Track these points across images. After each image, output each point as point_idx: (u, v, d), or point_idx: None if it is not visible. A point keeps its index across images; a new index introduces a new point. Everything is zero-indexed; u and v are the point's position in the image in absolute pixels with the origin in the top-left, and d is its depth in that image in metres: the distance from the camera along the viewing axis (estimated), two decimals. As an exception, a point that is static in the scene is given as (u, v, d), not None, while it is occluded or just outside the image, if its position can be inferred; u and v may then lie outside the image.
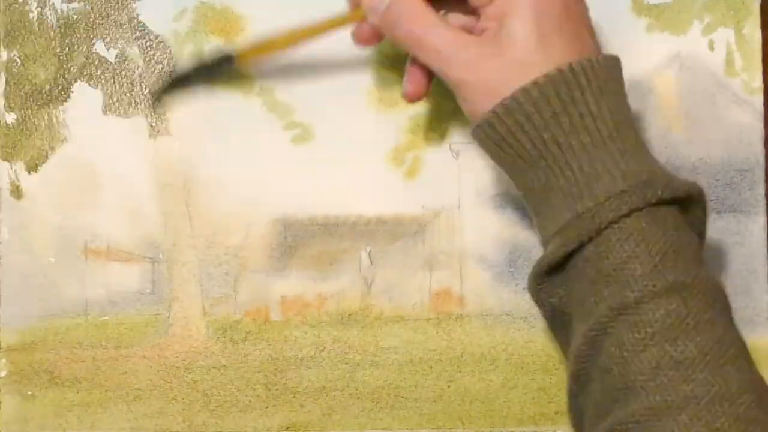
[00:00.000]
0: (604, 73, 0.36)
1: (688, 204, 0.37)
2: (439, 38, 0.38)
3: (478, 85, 0.37)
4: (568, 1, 0.37)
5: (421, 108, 0.49)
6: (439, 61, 0.38)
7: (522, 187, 0.38)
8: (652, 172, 0.36)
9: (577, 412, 0.38)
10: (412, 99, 0.43)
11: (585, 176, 0.35)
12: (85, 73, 0.48)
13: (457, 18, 0.41)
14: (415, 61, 0.41)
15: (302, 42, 0.43)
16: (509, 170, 0.39)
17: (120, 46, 0.48)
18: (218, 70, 0.45)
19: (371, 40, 0.42)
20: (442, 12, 0.41)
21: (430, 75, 0.41)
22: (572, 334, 0.37)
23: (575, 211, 0.35)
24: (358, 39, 0.42)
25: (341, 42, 0.48)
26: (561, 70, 0.35)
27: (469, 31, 0.40)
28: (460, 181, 0.49)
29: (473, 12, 0.40)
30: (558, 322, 0.39)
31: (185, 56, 0.48)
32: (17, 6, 0.48)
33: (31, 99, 0.48)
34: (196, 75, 0.45)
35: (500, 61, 0.37)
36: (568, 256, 0.36)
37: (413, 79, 0.42)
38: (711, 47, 0.49)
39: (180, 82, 0.46)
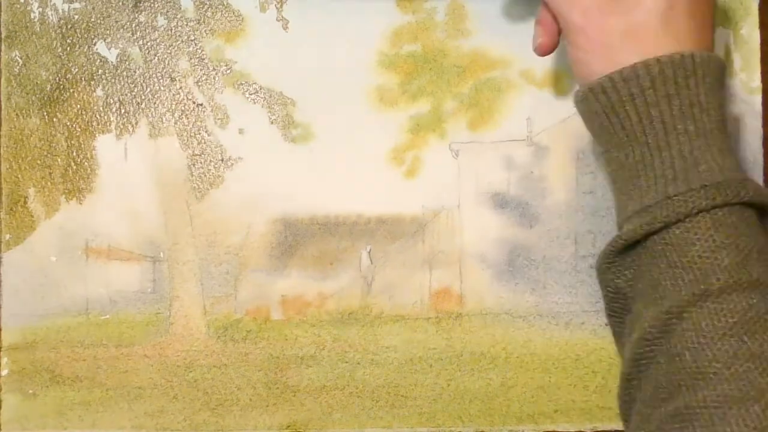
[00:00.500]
0: (717, 71, 0.37)
1: (764, 212, 0.37)
2: None
3: (597, 38, 0.37)
4: None
5: (421, 108, 0.49)
6: (561, 4, 0.38)
7: (612, 160, 0.38)
8: (743, 173, 0.37)
9: (627, 397, 0.38)
10: (544, 51, 0.42)
11: (682, 161, 0.35)
12: (86, 73, 0.48)
13: None
14: (545, 13, 0.41)
15: None
16: (605, 141, 0.38)
17: (121, 46, 0.48)
18: None
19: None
20: None
21: (559, 28, 0.41)
22: (634, 319, 0.37)
23: (666, 193, 0.35)
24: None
25: (342, 42, 0.49)
26: (684, 55, 0.35)
27: None
28: (460, 180, 0.49)
29: None
30: (618, 305, 0.39)
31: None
32: (19, 6, 0.48)
33: (33, 98, 0.48)
34: None
35: (624, 18, 0.36)
36: (645, 237, 0.36)
37: (545, 30, 0.41)
38: (710, 47, 0.49)
39: None
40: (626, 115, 0.36)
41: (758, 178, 0.48)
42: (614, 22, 0.36)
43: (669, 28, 0.36)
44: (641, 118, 0.36)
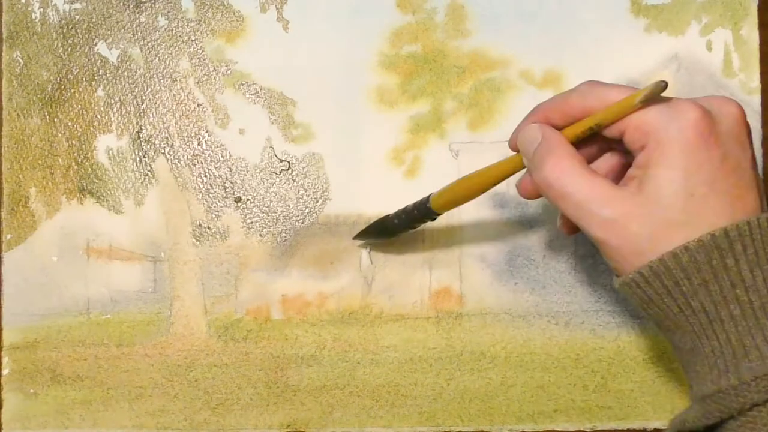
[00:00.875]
0: (761, 237, 0.33)
1: None
2: (582, 190, 0.35)
3: (622, 246, 0.34)
4: (727, 151, 0.34)
5: (421, 108, 0.49)
6: (580, 217, 0.35)
7: (671, 341, 0.37)
8: None
9: None
10: (566, 233, 0.41)
11: (731, 349, 0.33)
12: (87, 74, 0.48)
13: (600, 166, 0.39)
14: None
15: (482, 190, 0.41)
16: (657, 325, 0.37)
17: (122, 46, 0.48)
18: (420, 218, 0.44)
19: (533, 194, 0.39)
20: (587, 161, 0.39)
21: None
22: None
23: (719, 384, 0.33)
24: (522, 190, 0.40)
25: (342, 42, 0.49)
26: (714, 235, 0.33)
27: (616, 171, 0.38)
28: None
29: (619, 150, 0.38)
30: None
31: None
32: (20, 6, 0.48)
33: (34, 98, 0.48)
34: (398, 222, 0.45)
35: (645, 221, 0.34)
36: (706, 429, 0.34)
37: (567, 222, 0.40)
38: (709, 48, 0.49)
39: (383, 227, 0.46)
40: (666, 307, 0.34)
41: (757, 178, 0.49)
42: (636, 226, 0.34)
43: (694, 211, 0.33)
44: (682, 309, 0.34)
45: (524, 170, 0.39)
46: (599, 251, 0.36)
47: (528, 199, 0.40)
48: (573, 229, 0.39)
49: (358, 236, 0.47)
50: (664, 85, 0.33)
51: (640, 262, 0.34)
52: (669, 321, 0.35)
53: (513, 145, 0.39)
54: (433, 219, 0.44)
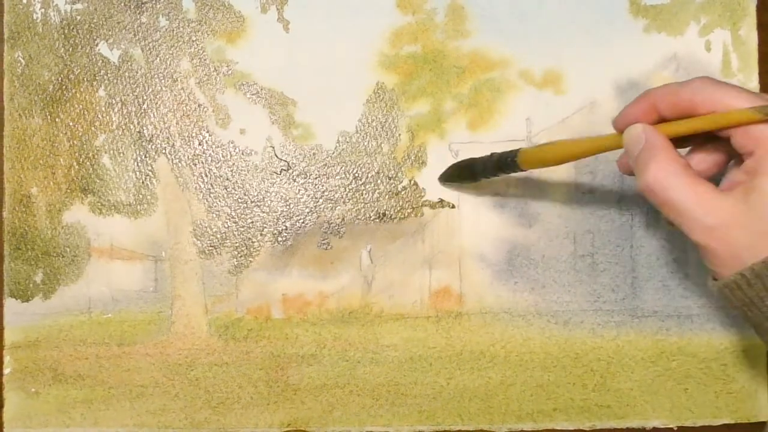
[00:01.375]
0: None
1: None
2: (684, 197, 0.35)
3: (724, 252, 0.35)
4: None
5: (421, 108, 0.49)
6: (682, 222, 0.35)
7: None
8: None
9: None
10: (622, 170, 0.41)
11: None
12: (88, 74, 0.48)
13: (704, 159, 0.39)
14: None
15: (574, 157, 0.41)
16: (756, 329, 0.37)
17: (123, 46, 0.49)
18: (504, 168, 0.44)
19: (630, 171, 0.39)
20: (688, 151, 0.39)
21: None
22: None
23: None
24: (621, 167, 0.41)
25: (342, 43, 0.49)
26: None
27: (715, 166, 0.38)
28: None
29: (719, 146, 0.38)
30: None
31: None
32: (21, 7, 0.48)
33: (35, 99, 0.48)
34: (483, 168, 0.45)
35: (747, 230, 0.34)
36: None
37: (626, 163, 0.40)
38: (708, 48, 0.49)
39: (468, 169, 0.46)
40: (766, 308, 0.35)
41: (756, 178, 0.49)
42: (738, 235, 0.34)
43: None
44: None
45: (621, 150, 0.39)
46: (699, 253, 0.36)
47: (625, 174, 0.41)
48: (629, 171, 0.40)
49: (442, 176, 0.48)
50: None
51: (739, 267, 0.34)
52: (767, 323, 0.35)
53: (617, 126, 0.39)
54: (516, 172, 0.44)
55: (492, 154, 0.44)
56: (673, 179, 0.35)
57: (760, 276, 0.34)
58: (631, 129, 0.38)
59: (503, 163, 0.43)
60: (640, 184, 0.37)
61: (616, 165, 0.41)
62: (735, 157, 0.38)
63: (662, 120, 0.37)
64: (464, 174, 0.47)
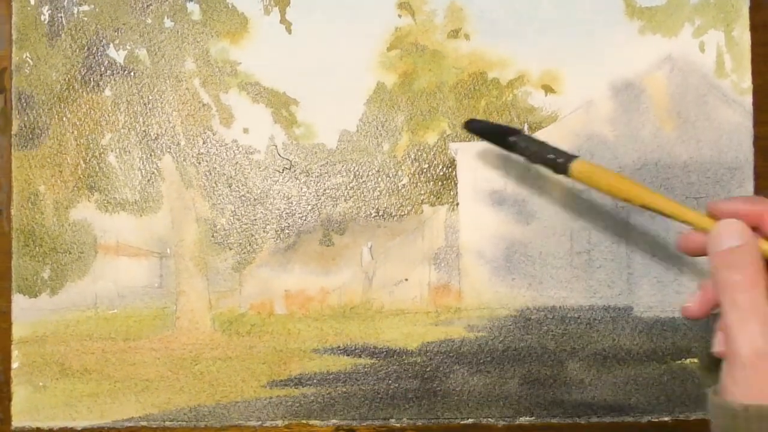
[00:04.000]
0: None
1: None
2: (752, 309, 0.36)
3: (757, 377, 0.35)
4: None
5: (421, 108, 0.50)
6: (737, 328, 0.36)
7: None
8: None
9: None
10: (688, 315, 0.41)
11: None
12: (94, 74, 0.49)
13: None
14: (709, 288, 0.39)
15: (633, 201, 0.40)
16: None
17: (129, 47, 0.49)
18: (549, 164, 0.43)
19: (692, 252, 0.40)
20: None
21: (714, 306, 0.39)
22: None
23: None
24: (682, 244, 0.41)
25: (343, 44, 0.50)
26: None
27: None
28: (459, 179, 0.50)
29: None
30: None
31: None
32: (29, 9, 0.49)
33: (43, 98, 0.49)
34: (526, 147, 0.43)
35: None
36: None
37: (701, 299, 0.40)
38: (702, 49, 0.50)
39: (506, 137, 0.44)
40: None
41: (748, 176, 0.49)
42: None
43: None
44: None
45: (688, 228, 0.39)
46: (724, 365, 0.36)
47: (682, 252, 0.41)
48: (703, 314, 0.40)
49: (471, 123, 0.46)
50: None
51: (763, 398, 0.34)
52: None
53: (714, 210, 0.39)
54: (558, 173, 0.42)
55: (545, 143, 0.43)
56: (755, 291, 0.36)
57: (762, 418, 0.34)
58: (733, 222, 0.37)
59: (552, 161, 0.42)
60: (722, 277, 0.37)
61: (678, 240, 0.41)
62: None
63: (756, 230, 0.38)
64: (499, 138, 0.44)
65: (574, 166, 0.41)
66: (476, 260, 0.49)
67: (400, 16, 0.50)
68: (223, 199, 0.49)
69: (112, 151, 0.49)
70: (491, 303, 0.49)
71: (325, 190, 0.50)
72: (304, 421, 0.49)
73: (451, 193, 0.50)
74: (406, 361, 0.49)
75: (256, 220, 0.50)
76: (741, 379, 0.36)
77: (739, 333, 0.36)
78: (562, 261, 0.49)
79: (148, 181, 0.49)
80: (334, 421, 0.49)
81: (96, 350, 0.49)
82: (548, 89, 0.50)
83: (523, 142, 0.44)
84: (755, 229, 0.38)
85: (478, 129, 0.46)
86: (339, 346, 0.49)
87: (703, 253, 0.39)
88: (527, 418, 0.49)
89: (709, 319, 0.40)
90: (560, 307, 0.49)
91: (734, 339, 0.36)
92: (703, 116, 0.50)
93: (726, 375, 0.36)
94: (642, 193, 0.40)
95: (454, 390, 0.49)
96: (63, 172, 0.49)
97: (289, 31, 0.50)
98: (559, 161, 0.42)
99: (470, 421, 0.49)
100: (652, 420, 0.49)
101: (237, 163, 0.50)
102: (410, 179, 0.50)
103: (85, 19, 0.49)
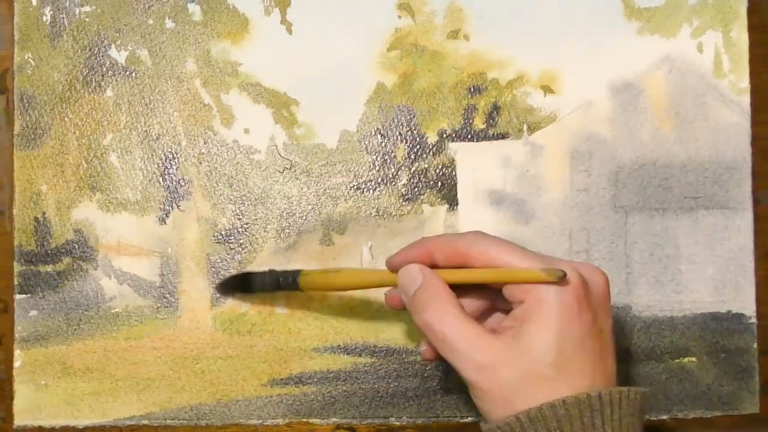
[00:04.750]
0: (627, 407, 0.36)
1: None
2: (458, 335, 0.38)
3: (492, 389, 0.37)
4: (596, 316, 0.37)
5: (420, 108, 0.50)
6: (455, 359, 0.38)
7: None
8: None
9: None
10: (426, 358, 0.43)
11: None
12: (96, 75, 0.50)
13: (471, 303, 0.41)
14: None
15: (352, 287, 0.44)
16: None
17: (130, 48, 0.50)
18: (285, 287, 0.45)
19: (398, 307, 0.42)
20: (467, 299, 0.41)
21: None
22: None
23: None
24: (388, 302, 0.43)
25: (343, 44, 0.50)
26: (590, 395, 0.36)
27: (482, 312, 0.41)
28: (458, 179, 0.50)
29: (496, 300, 0.41)
30: None
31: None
32: (31, 9, 0.49)
33: (45, 98, 0.49)
34: (261, 283, 0.46)
35: (516, 370, 0.36)
36: None
37: (431, 349, 0.41)
38: (700, 49, 0.50)
39: (246, 282, 0.47)
40: None
41: (746, 175, 0.50)
42: (507, 374, 0.36)
43: (562, 367, 0.36)
44: None
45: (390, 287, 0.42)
46: (471, 394, 0.38)
47: (393, 309, 0.43)
48: (435, 356, 0.41)
49: (219, 287, 0.49)
50: (563, 275, 0.36)
51: (508, 409, 0.36)
52: None
53: (390, 266, 0.42)
54: (297, 290, 0.45)
55: (271, 272, 0.45)
56: (450, 319, 0.38)
57: (534, 421, 0.36)
58: (408, 268, 0.40)
59: (284, 283, 0.45)
60: (418, 321, 0.39)
61: (385, 299, 0.43)
62: (498, 303, 0.41)
63: (435, 266, 0.40)
64: (243, 287, 0.47)
65: (302, 279, 0.44)
66: (476, 260, 0.50)
67: (400, 17, 0.50)
68: (224, 198, 0.50)
69: (113, 151, 0.49)
70: (490, 302, 0.50)
71: (325, 190, 0.50)
72: (304, 420, 0.49)
73: (451, 192, 0.50)
74: (406, 360, 0.49)
75: (256, 219, 0.50)
76: (482, 399, 0.37)
77: (455, 362, 0.38)
78: (561, 260, 0.50)
79: (150, 181, 0.50)
80: (335, 419, 0.49)
81: (98, 349, 0.49)
82: (547, 90, 0.50)
83: (261, 279, 0.46)
84: (435, 266, 0.40)
85: (223, 289, 0.49)
86: (339, 345, 0.50)
87: (404, 306, 0.41)
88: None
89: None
90: (559, 306, 0.50)
91: (457, 370, 0.38)
92: (702, 116, 0.50)
93: (476, 404, 0.38)
94: (348, 279, 0.43)
95: (454, 389, 0.49)
96: (65, 172, 0.49)
97: (290, 32, 0.50)
98: (291, 281, 0.44)
99: (470, 419, 0.49)
100: (651, 419, 0.50)
101: (238, 163, 0.50)
102: (410, 179, 0.50)
103: (87, 19, 0.50)
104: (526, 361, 0.36)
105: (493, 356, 0.37)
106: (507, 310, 0.40)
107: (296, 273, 0.44)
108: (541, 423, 0.35)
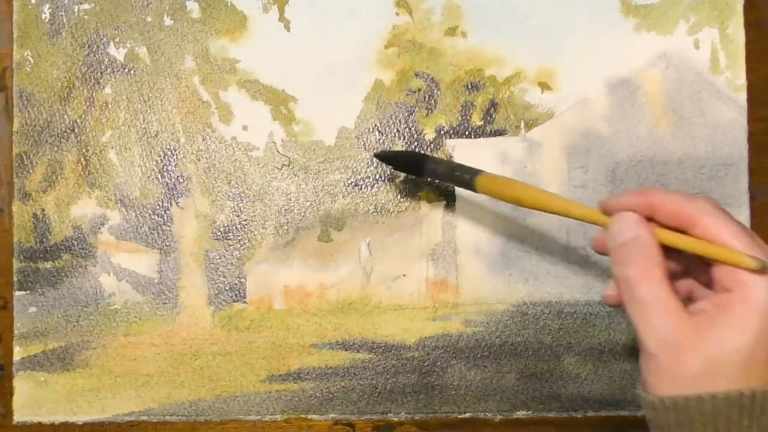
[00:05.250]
0: None
1: None
2: (656, 305, 0.36)
3: (670, 369, 0.35)
4: None
5: (418, 105, 0.50)
6: (642, 325, 0.36)
7: None
8: None
9: None
10: (611, 304, 0.41)
11: None
12: (95, 72, 0.50)
13: (674, 264, 0.39)
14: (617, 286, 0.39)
15: (540, 208, 0.41)
16: None
17: (129, 45, 0.50)
18: (458, 182, 0.44)
19: (602, 250, 0.41)
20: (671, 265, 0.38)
21: None
22: None
23: None
24: (595, 246, 0.42)
25: (341, 41, 0.50)
26: (742, 393, 0.34)
27: (683, 274, 0.39)
28: (456, 175, 0.50)
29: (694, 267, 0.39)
30: None
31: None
32: (30, 7, 0.50)
33: (44, 96, 0.50)
34: (433, 170, 0.45)
35: (699, 361, 0.35)
36: None
37: (616, 295, 0.39)
38: (696, 46, 0.50)
39: (415, 163, 0.46)
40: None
41: (742, 171, 0.50)
42: (691, 360, 0.35)
43: (742, 374, 0.34)
44: None
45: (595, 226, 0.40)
46: (641, 358, 0.37)
47: (599, 253, 0.41)
48: (617, 304, 0.39)
49: (381, 154, 0.47)
50: (762, 265, 0.34)
51: (676, 389, 0.35)
52: None
53: (605, 207, 0.39)
54: (468, 189, 0.43)
55: (451, 161, 0.44)
56: (652, 283, 0.36)
57: (699, 405, 0.34)
58: (626, 215, 0.38)
59: (460, 178, 0.44)
60: (618, 273, 0.37)
61: (591, 242, 0.42)
62: (695, 270, 0.39)
63: (651, 220, 0.38)
64: (409, 166, 0.46)
65: (480, 179, 0.43)
66: (473, 256, 0.50)
67: (397, 14, 0.50)
68: (223, 195, 0.50)
69: (112, 148, 0.50)
70: (488, 298, 0.50)
71: (323, 186, 0.50)
72: (302, 416, 0.49)
73: (449, 189, 0.50)
74: (404, 356, 0.50)
75: (255, 216, 0.50)
76: (653, 371, 0.36)
77: (642, 327, 0.36)
78: (559, 256, 0.50)
79: (148, 177, 0.50)
80: (333, 415, 0.49)
81: (97, 345, 0.49)
82: (544, 86, 0.50)
83: (432, 164, 0.45)
84: (650, 219, 0.38)
85: (385, 158, 0.48)
86: (337, 341, 0.50)
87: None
88: (524, 412, 0.49)
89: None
90: (557, 302, 0.50)
91: (640, 333, 0.36)
92: (698, 113, 0.50)
93: (642, 368, 0.37)
94: (549, 200, 0.40)
95: (452, 384, 0.50)
96: (64, 169, 0.49)
97: (288, 29, 0.50)
98: (465, 177, 0.43)
99: (468, 415, 0.50)
100: (648, 414, 0.50)
101: (236, 159, 0.50)
102: (408, 176, 0.50)
103: (86, 17, 0.50)
104: (714, 355, 0.34)
105: (682, 337, 0.35)
106: (702, 281, 0.39)
107: (475, 172, 0.43)
108: (684, 413, 0.34)
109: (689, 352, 0.35)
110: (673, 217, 0.37)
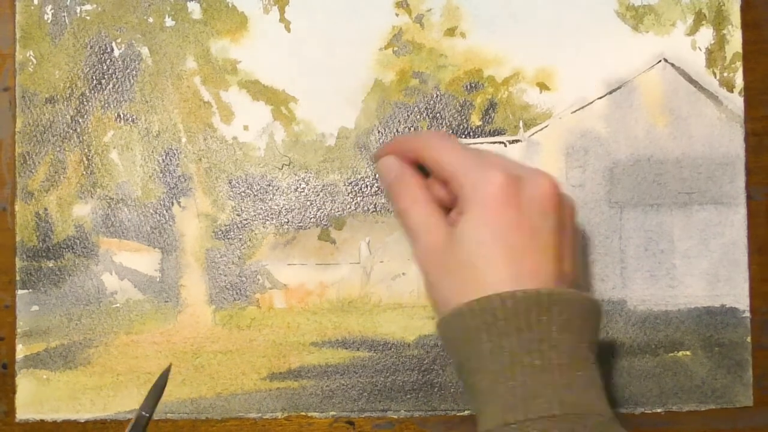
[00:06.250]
0: (576, 311, 0.37)
1: None
2: (416, 215, 0.42)
3: (435, 276, 0.40)
4: (525, 214, 0.39)
5: (418, 105, 0.50)
6: (410, 237, 0.42)
7: (467, 384, 0.39)
8: (590, 406, 0.36)
9: None
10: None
11: (525, 391, 0.36)
12: (97, 72, 0.50)
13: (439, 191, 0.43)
14: None
15: None
16: (459, 368, 0.39)
17: (131, 46, 0.50)
18: None
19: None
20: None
21: None
22: None
23: (504, 419, 0.35)
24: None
25: (342, 42, 0.50)
26: (540, 292, 0.36)
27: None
28: (455, 174, 0.50)
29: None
30: None
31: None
32: (33, 8, 0.50)
33: (46, 96, 0.50)
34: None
35: (453, 260, 0.39)
36: None
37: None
38: (694, 47, 0.51)
39: None
40: (479, 342, 0.37)
41: (739, 171, 0.50)
42: (445, 260, 0.39)
43: (484, 261, 0.38)
44: (492, 348, 0.37)
45: None
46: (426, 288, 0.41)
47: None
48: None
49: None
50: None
51: (458, 298, 0.38)
52: (475, 359, 0.38)
53: (374, 159, 0.47)
54: None
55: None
56: (419, 208, 0.42)
57: (484, 309, 0.37)
58: (384, 160, 0.45)
59: None
60: (394, 208, 0.44)
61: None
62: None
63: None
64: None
65: None
66: (472, 255, 0.50)
67: (397, 14, 0.51)
68: (224, 195, 0.50)
69: (114, 147, 0.50)
70: (487, 297, 0.50)
71: (323, 186, 0.50)
72: (303, 413, 0.50)
73: (448, 189, 0.50)
74: (403, 354, 0.50)
75: (255, 215, 0.50)
76: (432, 288, 0.41)
77: (412, 241, 0.42)
78: (557, 255, 0.50)
79: (150, 177, 0.50)
80: (333, 412, 0.50)
81: (99, 344, 0.50)
82: (543, 87, 0.50)
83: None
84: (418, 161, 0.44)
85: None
86: (338, 340, 0.50)
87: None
88: (523, 410, 0.50)
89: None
90: (555, 300, 0.50)
91: (413, 250, 0.42)
92: (696, 113, 0.50)
93: (431, 292, 0.41)
94: None
95: (451, 382, 0.50)
96: (66, 169, 0.50)
97: (288, 30, 0.50)
98: None
99: (467, 412, 0.50)
100: (645, 412, 0.50)
101: (237, 159, 0.50)
102: (407, 175, 0.50)
103: (88, 18, 0.50)
104: (461, 250, 0.39)
105: (437, 239, 0.40)
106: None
107: None
108: (489, 311, 0.37)
109: (444, 252, 0.39)
110: (410, 153, 0.44)
